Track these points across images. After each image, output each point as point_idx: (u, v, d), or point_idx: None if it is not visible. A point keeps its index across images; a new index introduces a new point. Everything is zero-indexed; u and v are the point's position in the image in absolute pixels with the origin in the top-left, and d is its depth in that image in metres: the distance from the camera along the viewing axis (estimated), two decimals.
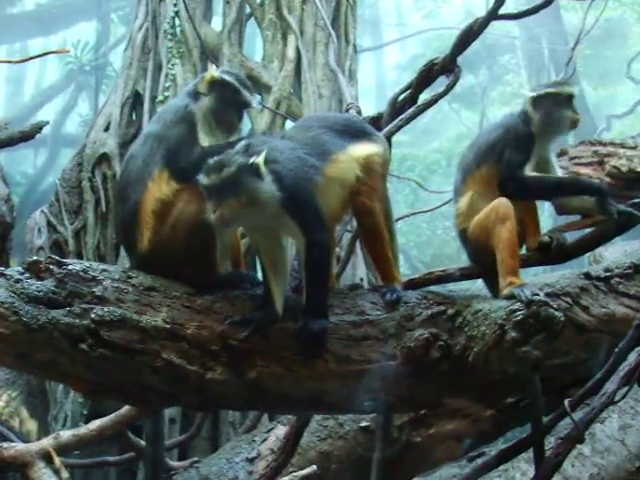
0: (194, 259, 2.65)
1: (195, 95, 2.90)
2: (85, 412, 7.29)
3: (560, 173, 3.04)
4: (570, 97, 2.98)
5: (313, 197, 2.56)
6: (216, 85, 2.91)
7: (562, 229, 4.61)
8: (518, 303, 2.41)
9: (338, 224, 2.96)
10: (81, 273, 2.52)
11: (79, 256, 7.70)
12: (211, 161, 2.49)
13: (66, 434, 4.21)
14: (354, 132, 2.82)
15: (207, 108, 2.87)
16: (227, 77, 2.95)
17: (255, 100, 3.05)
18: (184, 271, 2.65)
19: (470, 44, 3.83)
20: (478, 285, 3.09)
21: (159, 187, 2.69)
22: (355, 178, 2.70)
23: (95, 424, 4.23)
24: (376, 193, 2.74)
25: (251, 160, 2.46)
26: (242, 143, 2.56)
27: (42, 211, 8.10)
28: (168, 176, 2.71)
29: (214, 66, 3.09)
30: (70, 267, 2.52)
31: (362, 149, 2.76)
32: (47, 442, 4.11)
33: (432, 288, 2.86)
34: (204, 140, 2.80)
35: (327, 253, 2.59)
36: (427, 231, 14.45)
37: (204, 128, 2.84)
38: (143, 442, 4.57)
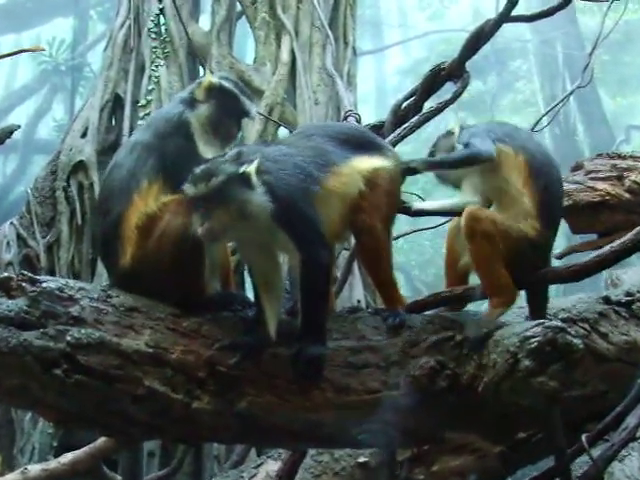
0: (181, 277, 2.64)
1: (191, 102, 2.91)
2: (55, 444, 7.25)
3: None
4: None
5: (310, 209, 2.55)
6: (214, 92, 2.93)
7: (577, 248, 4.61)
8: (534, 329, 2.41)
9: (338, 242, 2.95)
10: (56, 292, 2.50)
11: (51, 272, 7.68)
12: (198, 169, 2.49)
13: (34, 468, 4.19)
14: (360, 143, 2.81)
15: (205, 117, 2.88)
16: (226, 84, 2.97)
17: (254, 109, 3.08)
18: (170, 290, 2.64)
19: (480, 47, 3.87)
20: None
21: (146, 201, 2.68)
22: (358, 193, 2.69)
23: (67, 457, 4.21)
24: (378, 210, 2.71)
25: (242, 169, 2.46)
26: (233, 151, 2.56)
27: (12, 223, 8.10)
28: (158, 190, 2.70)
29: (210, 72, 3.11)
30: (44, 285, 2.50)
31: (368, 162, 2.75)
32: (13, 477, 4.08)
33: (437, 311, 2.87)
34: (204, 151, 2.81)
35: (326, 272, 2.57)
36: (430, 249, 14.48)
37: (201, 138, 2.85)
38: (119, 477, 4.55)
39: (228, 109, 2.93)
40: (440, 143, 3.19)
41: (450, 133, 3.15)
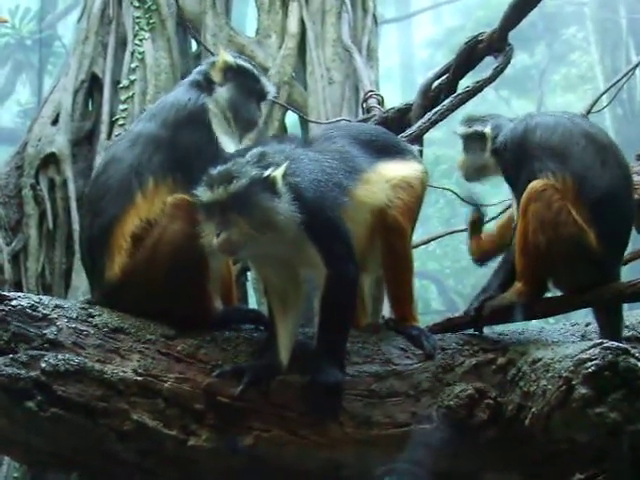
0: (181, 292, 2.69)
1: (207, 85, 3.00)
2: None
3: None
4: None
5: (340, 220, 2.65)
6: (231, 73, 3.04)
7: None
8: (590, 350, 2.42)
9: (366, 259, 2.95)
10: (28, 310, 2.55)
11: (18, 286, 7.70)
12: (214, 171, 2.54)
13: None
14: (383, 146, 2.95)
15: (225, 101, 2.98)
16: (243, 62, 3.09)
17: (273, 88, 3.19)
18: (167, 308, 2.68)
19: (527, 14, 3.87)
20: (535, 325, 3.11)
21: (151, 203, 2.73)
22: (386, 201, 2.82)
23: None
24: (410, 213, 2.86)
25: (266, 172, 2.52)
26: (254, 151, 2.62)
27: None
28: (167, 191, 2.75)
29: (222, 50, 3.20)
30: (14, 303, 2.56)
31: (396, 169, 2.89)
32: None
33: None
34: (225, 144, 2.87)
35: (353, 288, 2.66)
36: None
37: (220, 127, 2.92)
38: None
39: (248, 91, 3.04)
40: (469, 146, 3.24)
41: (479, 135, 3.19)
